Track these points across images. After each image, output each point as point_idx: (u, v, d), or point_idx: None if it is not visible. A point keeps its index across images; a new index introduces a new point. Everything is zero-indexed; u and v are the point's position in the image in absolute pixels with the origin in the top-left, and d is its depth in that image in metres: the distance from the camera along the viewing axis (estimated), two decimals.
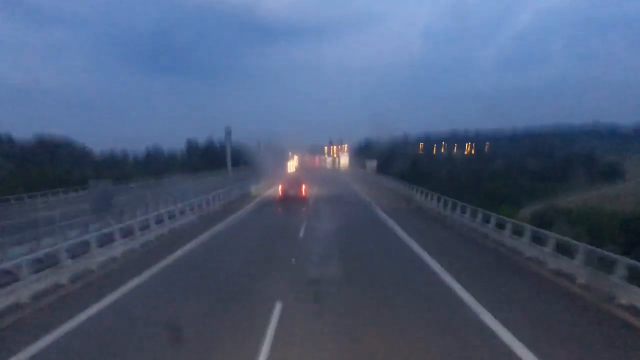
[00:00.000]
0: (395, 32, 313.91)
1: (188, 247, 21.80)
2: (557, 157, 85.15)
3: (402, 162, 70.30)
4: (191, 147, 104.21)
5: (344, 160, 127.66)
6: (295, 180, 47.24)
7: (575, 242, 15.95)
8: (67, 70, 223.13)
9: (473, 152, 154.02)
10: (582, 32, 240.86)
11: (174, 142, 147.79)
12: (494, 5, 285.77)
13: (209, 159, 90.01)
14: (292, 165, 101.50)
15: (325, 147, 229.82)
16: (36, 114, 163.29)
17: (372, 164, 66.44)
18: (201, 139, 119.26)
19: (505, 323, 11.35)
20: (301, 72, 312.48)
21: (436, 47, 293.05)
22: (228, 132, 76.60)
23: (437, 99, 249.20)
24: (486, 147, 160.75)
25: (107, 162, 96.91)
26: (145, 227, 23.20)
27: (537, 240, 18.38)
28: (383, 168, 74.89)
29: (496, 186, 48.24)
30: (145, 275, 16.64)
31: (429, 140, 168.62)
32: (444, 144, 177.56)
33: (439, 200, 33.65)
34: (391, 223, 29.31)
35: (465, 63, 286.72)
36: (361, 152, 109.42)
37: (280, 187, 44.41)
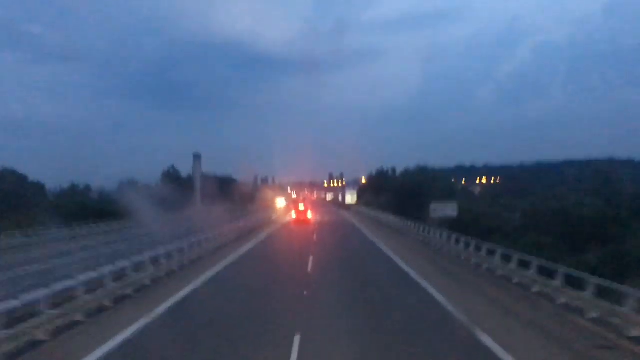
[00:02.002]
0: (392, 68, 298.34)
1: None
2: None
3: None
4: (168, 178, 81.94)
5: (351, 195, 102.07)
6: (303, 210, 53.90)
7: None
8: (55, 106, 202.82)
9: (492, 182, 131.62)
10: (580, 67, 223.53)
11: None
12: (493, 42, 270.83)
13: (180, 191, 67.54)
14: (283, 201, 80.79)
15: (325, 182, 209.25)
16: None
17: (447, 210, 38.46)
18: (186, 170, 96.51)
19: None
20: (298, 107, 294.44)
21: (434, 82, 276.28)
22: (197, 158, 54.71)
23: (437, 134, 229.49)
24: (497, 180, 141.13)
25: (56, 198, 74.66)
26: None
27: None
28: (404, 209, 52.48)
29: None
30: None
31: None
32: (454, 179, 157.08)
33: None
34: None
35: (465, 98, 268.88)
36: (371, 186, 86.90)
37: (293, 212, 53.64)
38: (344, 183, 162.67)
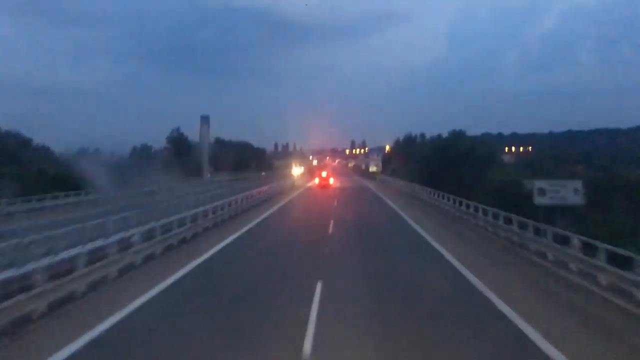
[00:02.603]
0: (418, 33, 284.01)
1: None
2: None
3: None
4: (173, 143, 74.11)
5: (375, 163, 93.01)
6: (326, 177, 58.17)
7: None
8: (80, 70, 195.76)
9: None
10: (610, 33, 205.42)
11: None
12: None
13: (187, 157, 60.03)
14: (300, 169, 73.53)
15: (347, 150, 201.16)
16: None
17: (565, 193, 22.20)
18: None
19: None
20: (320, 74, 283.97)
21: (459, 49, 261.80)
22: (205, 120, 47.73)
23: (462, 102, 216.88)
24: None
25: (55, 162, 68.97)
26: None
27: None
28: (440, 180, 44.97)
29: None
30: None
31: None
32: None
33: None
34: None
35: (491, 65, 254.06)
36: (397, 153, 78.66)
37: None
38: (366, 150, 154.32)
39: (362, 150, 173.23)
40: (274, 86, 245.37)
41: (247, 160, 74.16)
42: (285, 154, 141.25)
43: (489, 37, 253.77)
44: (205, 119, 59.27)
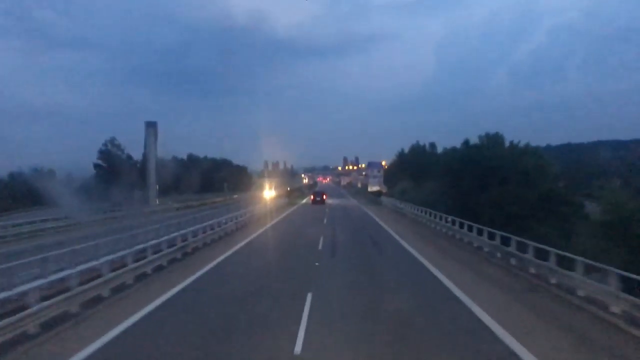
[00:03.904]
0: (408, 51, 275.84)
1: None
2: None
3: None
4: (106, 157, 56.97)
5: (377, 182, 76.43)
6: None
7: None
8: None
9: None
10: (599, 48, 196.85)
11: None
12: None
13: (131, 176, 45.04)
14: (270, 192, 58.99)
15: (339, 167, 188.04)
16: None
17: None
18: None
19: None
20: (310, 92, 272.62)
21: (449, 65, 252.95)
22: (150, 127, 34.58)
23: (455, 118, 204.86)
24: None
25: None
26: None
27: None
28: (464, 209, 31.19)
29: None
30: None
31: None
32: None
33: None
34: None
35: (483, 81, 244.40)
36: (401, 168, 64.47)
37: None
38: (361, 166, 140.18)
39: (355, 167, 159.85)
40: (264, 106, 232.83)
41: (221, 180, 59.85)
42: (276, 172, 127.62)
43: (479, 54, 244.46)
44: (151, 125, 43.06)
